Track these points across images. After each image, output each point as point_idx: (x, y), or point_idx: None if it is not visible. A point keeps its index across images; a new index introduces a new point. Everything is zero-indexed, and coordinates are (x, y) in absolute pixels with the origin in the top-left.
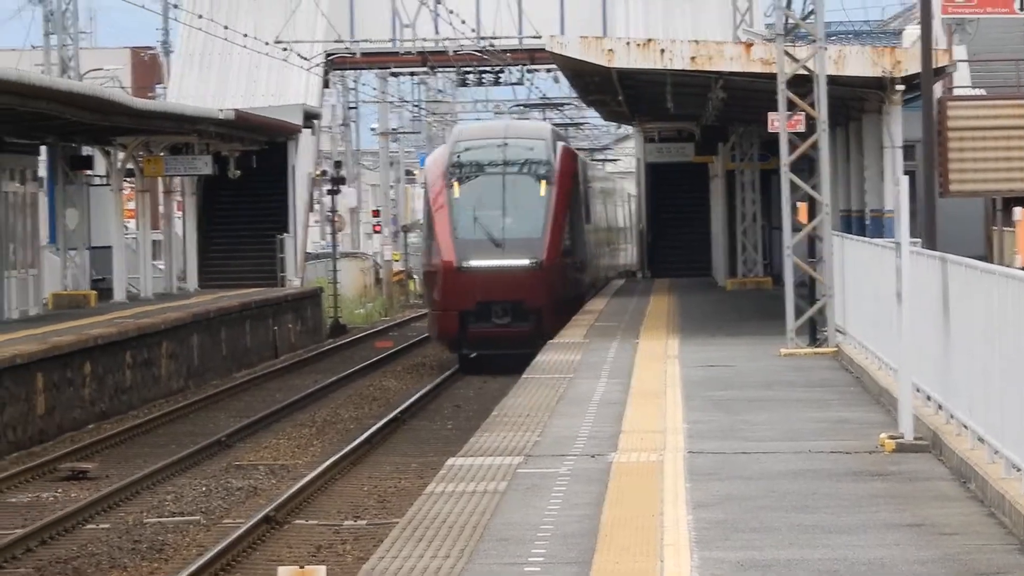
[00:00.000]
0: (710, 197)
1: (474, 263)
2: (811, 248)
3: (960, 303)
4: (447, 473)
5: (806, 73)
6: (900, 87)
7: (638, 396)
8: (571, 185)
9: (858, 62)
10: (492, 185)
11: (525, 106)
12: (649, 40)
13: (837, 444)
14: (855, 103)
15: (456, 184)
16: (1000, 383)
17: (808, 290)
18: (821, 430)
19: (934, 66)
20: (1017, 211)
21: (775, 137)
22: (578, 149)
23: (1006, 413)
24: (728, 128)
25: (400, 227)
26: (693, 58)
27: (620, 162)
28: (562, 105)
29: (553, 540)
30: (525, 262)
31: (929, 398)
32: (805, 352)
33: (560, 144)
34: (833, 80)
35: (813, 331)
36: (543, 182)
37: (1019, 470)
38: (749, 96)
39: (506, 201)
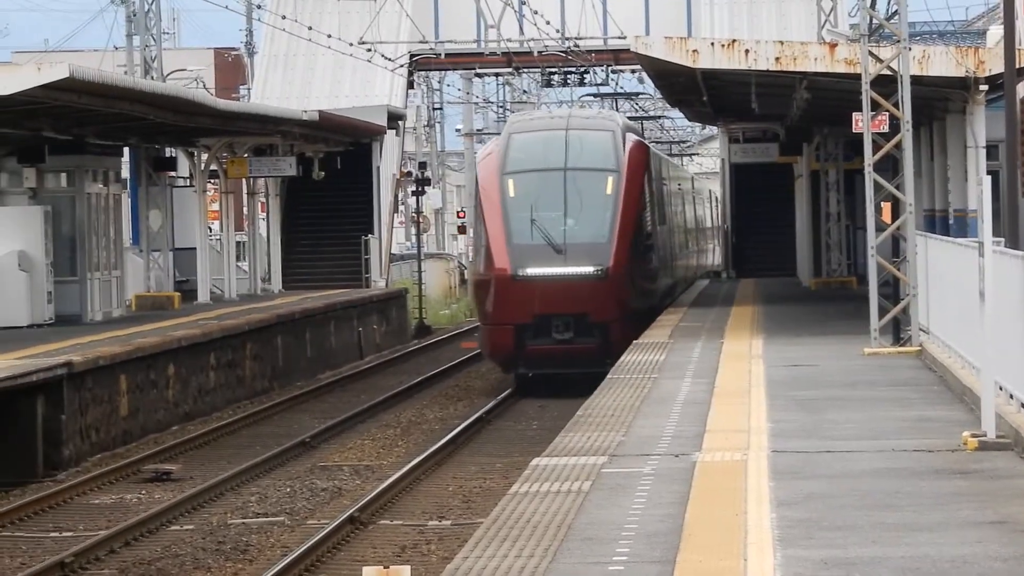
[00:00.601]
0: (795, 197)
1: (531, 271)
2: (895, 248)
3: None
4: (532, 473)
5: (890, 73)
6: (984, 87)
7: (722, 396)
8: (643, 183)
9: (942, 62)
10: (551, 183)
11: (596, 96)
12: (733, 40)
13: (920, 443)
14: (939, 103)
15: (510, 181)
16: None
17: (892, 289)
18: (904, 429)
19: (1017, 66)
20: None
21: (859, 137)
22: (656, 142)
23: None
24: (812, 128)
25: None
26: (777, 59)
27: (704, 163)
28: (636, 96)
29: (637, 539)
30: (589, 270)
31: (1012, 396)
32: (889, 351)
33: (631, 136)
34: (917, 80)
35: (897, 330)
36: (610, 179)
37: None
38: (833, 96)
39: (567, 201)
